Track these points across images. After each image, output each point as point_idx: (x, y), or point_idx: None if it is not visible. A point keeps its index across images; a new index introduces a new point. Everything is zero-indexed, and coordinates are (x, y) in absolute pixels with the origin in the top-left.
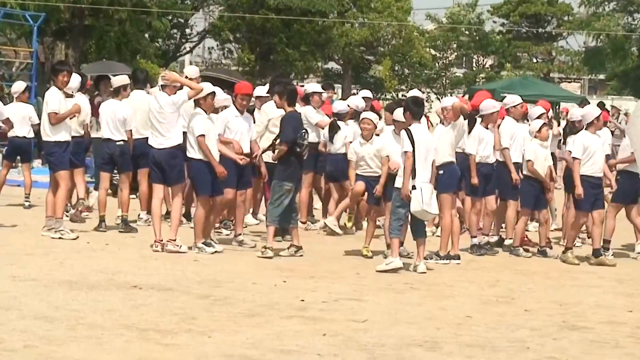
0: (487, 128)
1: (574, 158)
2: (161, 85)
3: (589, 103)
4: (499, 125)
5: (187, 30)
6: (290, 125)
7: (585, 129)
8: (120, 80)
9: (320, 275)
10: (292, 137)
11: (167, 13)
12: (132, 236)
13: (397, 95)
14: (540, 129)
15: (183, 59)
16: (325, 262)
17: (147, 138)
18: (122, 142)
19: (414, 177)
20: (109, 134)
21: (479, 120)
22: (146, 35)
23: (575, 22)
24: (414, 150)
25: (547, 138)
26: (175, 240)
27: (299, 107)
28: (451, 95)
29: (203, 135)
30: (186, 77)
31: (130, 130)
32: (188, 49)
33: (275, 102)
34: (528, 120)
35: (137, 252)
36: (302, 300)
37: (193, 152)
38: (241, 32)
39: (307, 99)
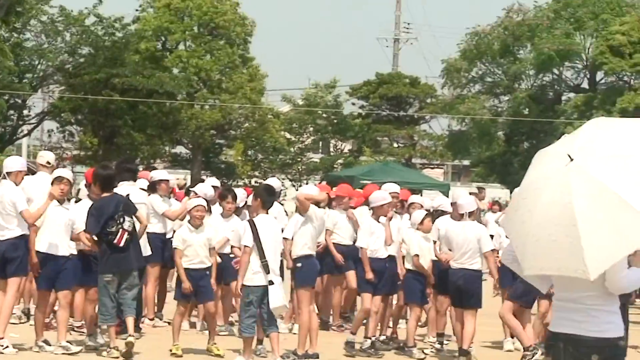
0: (378, 221)
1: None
2: (5, 173)
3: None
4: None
5: (25, 112)
6: (93, 215)
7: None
8: None
9: None
10: (94, 227)
11: (2, 93)
12: None
13: (250, 181)
14: (422, 220)
15: (20, 142)
16: None
17: None
18: None
19: (267, 272)
20: None
21: (368, 212)
22: None
23: (438, 104)
24: (260, 244)
25: (430, 230)
26: (2, 338)
27: (143, 195)
28: (307, 183)
29: (34, 226)
30: (47, 162)
31: None
32: (26, 131)
33: (92, 189)
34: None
35: None
36: None
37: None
38: (83, 114)
39: (153, 187)
